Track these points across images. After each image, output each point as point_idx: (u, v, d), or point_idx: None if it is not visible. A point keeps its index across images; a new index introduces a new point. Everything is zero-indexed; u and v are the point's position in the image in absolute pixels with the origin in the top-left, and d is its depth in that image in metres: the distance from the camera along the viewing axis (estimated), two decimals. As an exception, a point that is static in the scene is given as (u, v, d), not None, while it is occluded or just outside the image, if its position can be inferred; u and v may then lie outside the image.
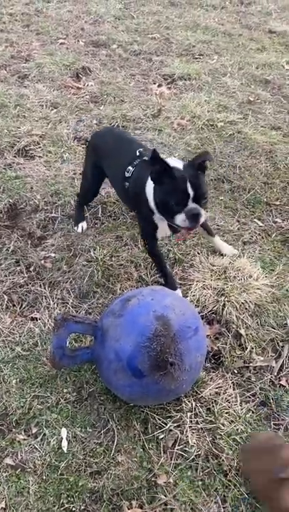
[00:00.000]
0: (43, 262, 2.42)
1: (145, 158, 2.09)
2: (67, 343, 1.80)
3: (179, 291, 2.22)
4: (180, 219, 1.86)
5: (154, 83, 4.21)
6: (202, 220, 1.88)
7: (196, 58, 4.71)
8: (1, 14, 5.34)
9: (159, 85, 4.17)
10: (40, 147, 3.24)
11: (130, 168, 2.13)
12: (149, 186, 1.99)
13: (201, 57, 4.74)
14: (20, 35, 4.93)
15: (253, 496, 1.58)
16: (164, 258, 2.30)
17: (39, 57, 4.46)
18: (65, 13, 5.55)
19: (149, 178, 1.95)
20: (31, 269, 2.38)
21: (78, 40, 4.92)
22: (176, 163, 1.93)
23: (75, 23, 5.29)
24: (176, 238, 2.35)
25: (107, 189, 2.83)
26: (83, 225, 2.64)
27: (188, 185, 1.81)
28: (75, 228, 2.63)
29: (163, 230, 2.12)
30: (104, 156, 2.33)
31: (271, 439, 1.63)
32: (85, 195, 2.60)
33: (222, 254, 2.45)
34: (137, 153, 2.15)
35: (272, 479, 1.40)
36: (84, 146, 3.31)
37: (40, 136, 3.33)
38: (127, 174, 2.14)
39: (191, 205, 1.84)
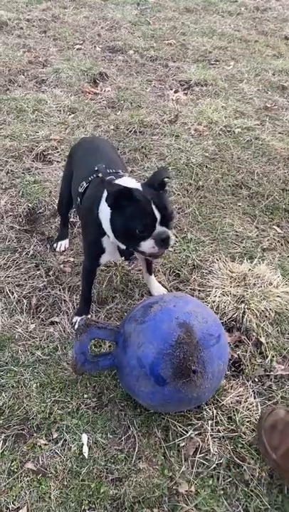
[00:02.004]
0: (62, 266, 2.43)
1: (100, 174, 1.90)
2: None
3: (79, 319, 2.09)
4: (148, 245, 1.68)
5: (171, 89, 4.22)
6: (172, 242, 1.72)
7: (213, 64, 4.72)
8: (18, 20, 5.40)
9: (176, 91, 4.19)
10: (58, 152, 3.26)
11: (84, 183, 1.96)
12: (104, 209, 1.78)
13: (218, 63, 4.75)
14: (37, 41, 4.98)
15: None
16: (93, 286, 2.16)
17: (56, 63, 4.50)
18: (81, 19, 5.60)
19: (102, 201, 1.78)
20: (50, 273, 2.39)
21: (95, 46, 4.96)
22: (132, 183, 1.77)
23: (91, 29, 5.34)
24: (131, 265, 2.13)
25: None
26: (64, 243, 2.52)
27: (154, 207, 1.65)
28: (54, 246, 2.52)
29: (110, 254, 1.95)
30: (74, 163, 2.22)
31: None
32: (59, 204, 2.48)
33: (240, 261, 2.45)
34: (95, 168, 1.95)
35: None
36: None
37: (58, 141, 3.36)
38: (80, 189, 1.98)
39: (159, 228, 1.67)
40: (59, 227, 2.59)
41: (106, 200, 1.70)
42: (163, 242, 1.68)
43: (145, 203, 1.65)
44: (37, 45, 4.88)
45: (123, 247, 1.84)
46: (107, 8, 5.98)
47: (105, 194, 1.75)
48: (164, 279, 2.38)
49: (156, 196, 1.69)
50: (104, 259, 1.99)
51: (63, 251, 2.53)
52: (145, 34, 5.31)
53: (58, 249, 2.52)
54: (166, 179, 1.78)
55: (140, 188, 1.71)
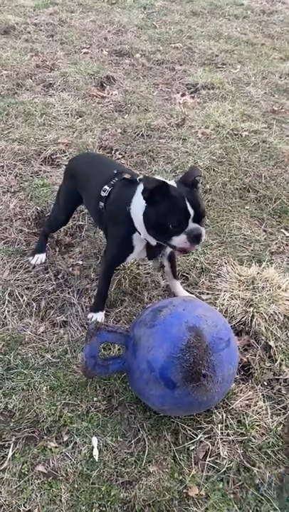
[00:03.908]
0: (71, 269, 2.44)
1: (126, 176, 2.00)
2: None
3: (100, 314, 2.15)
4: (180, 240, 1.75)
5: (178, 92, 4.24)
6: (204, 239, 1.79)
7: (219, 67, 4.73)
8: (26, 24, 5.44)
9: (183, 94, 4.20)
10: (66, 155, 3.28)
11: (107, 187, 2.02)
12: (137, 206, 1.86)
13: (224, 66, 4.76)
14: (45, 45, 5.01)
15: (286, 512, 1.57)
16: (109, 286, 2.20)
17: (64, 67, 4.53)
18: (88, 22, 5.63)
19: (135, 197, 1.86)
20: (59, 276, 2.40)
21: (102, 50, 4.98)
22: (166, 181, 1.82)
23: (98, 33, 5.36)
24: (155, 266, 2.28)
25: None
26: (41, 257, 2.45)
27: (188, 204, 1.71)
28: (30, 258, 2.45)
29: (138, 253, 2.01)
30: (81, 178, 2.22)
31: None
32: (53, 222, 2.43)
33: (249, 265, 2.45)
34: (114, 172, 2.05)
35: None
36: (109, 154, 3.34)
37: (66, 145, 3.37)
38: (102, 193, 2.02)
39: (192, 225, 1.73)
40: (39, 239, 2.50)
41: (142, 193, 1.76)
42: (195, 238, 1.75)
43: (180, 200, 1.71)
44: (44, 49, 4.91)
45: (153, 242, 1.90)
46: (113, 12, 6.01)
47: (139, 190, 1.82)
48: (172, 282, 2.39)
49: (190, 193, 1.75)
50: (131, 257, 2.04)
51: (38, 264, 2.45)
52: (152, 38, 5.33)
53: (33, 262, 2.44)
54: (197, 178, 1.84)
55: (174, 185, 1.78)
